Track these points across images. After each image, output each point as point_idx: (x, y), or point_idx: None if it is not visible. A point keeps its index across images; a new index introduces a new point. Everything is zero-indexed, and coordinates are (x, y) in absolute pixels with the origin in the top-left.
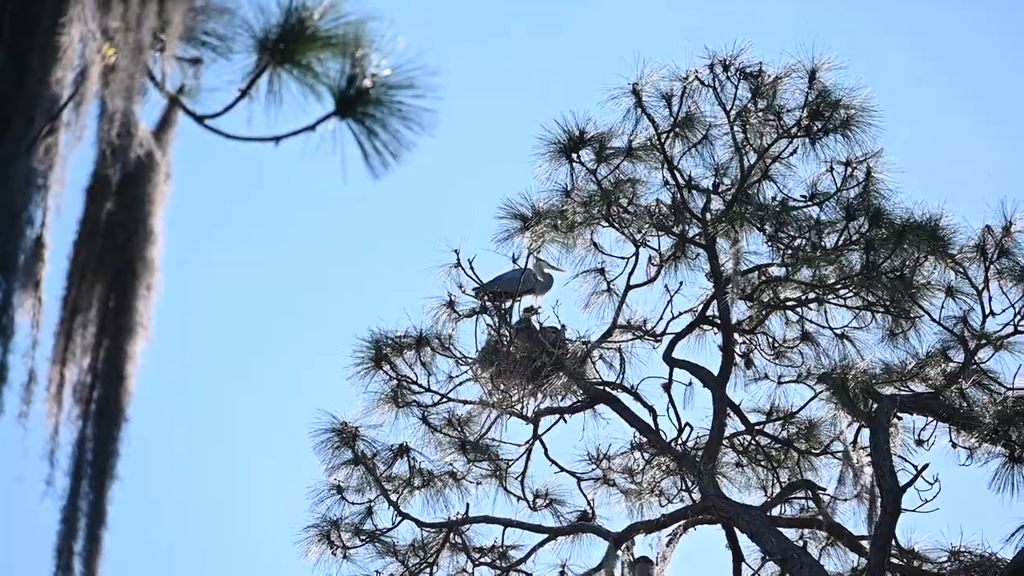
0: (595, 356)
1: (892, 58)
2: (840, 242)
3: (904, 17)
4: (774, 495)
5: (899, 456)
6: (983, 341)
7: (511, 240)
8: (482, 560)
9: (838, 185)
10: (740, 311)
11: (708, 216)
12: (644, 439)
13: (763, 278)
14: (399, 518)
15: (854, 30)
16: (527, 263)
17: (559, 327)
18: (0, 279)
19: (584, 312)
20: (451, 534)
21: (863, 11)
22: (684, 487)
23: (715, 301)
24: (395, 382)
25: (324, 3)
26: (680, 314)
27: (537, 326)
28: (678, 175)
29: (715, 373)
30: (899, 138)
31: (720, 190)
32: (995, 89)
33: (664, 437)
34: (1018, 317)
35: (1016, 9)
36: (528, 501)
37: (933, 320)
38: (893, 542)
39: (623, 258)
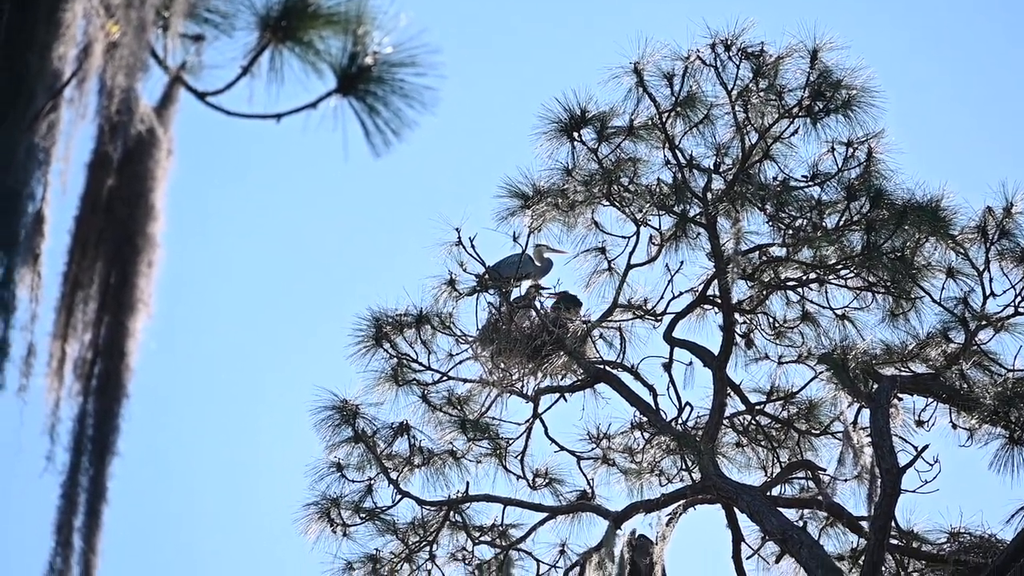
0: (595, 335)
1: (894, 39)
2: (841, 222)
3: None
4: (774, 475)
5: (899, 437)
6: (984, 322)
7: (512, 219)
8: (482, 538)
9: (839, 165)
10: (741, 291)
11: (709, 196)
12: (644, 418)
13: (764, 258)
14: (399, 496)
15: (856, 9)
16: (527, 246)
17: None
18: (1, 254)
19: (585, 291)
20: (451, 512)
21: None
22: (684, 467)
23: (716, 281)
24: (395, 360)
25: None
26: (681, 294)
27: (539, 305)
28: (679, 155)
29: (715, 353)
30: (901, 119)
31: (721, 170)
32: (997, 71)
33: (664, 417)
34: (1019, 298)
35: None
36: (528, 480)
37: (934, 301)
38: (892, 523)
39: (624, 237)
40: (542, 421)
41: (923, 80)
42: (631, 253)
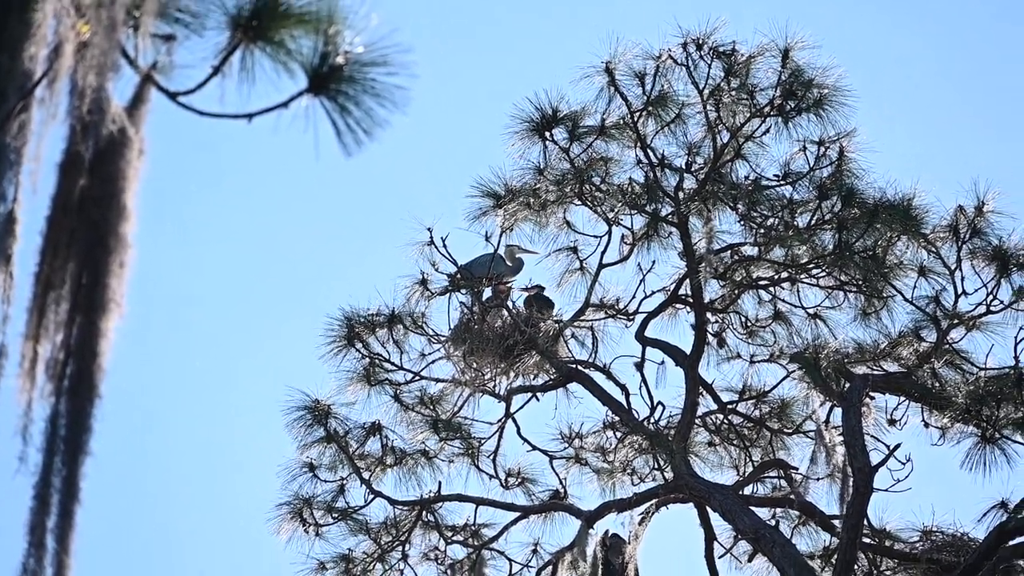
0: (567, 335)
1: (865, 37)
2: (813, 221)
3: None
4: (746, 474)
5: (871, 436)
6: (955, 321)
7: (484, 218)
8: (455, 538)
9: (811, 165)
10: (713, 290)
11: (681, 195)
12: (616, 418)
13: (736, 257)
14: (371, 496)
15: (827, 8)
16: (499, 246)
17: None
18: None
19: (557, 291)
20: (423, 512)
21: None
22: (656, 466)
23: (688, 280)
24: (367, 360)
25: None
26: (653, 293)
27: (511, 304)
28: (651, 154)
29: (687, 352)
30: (872, 118)
31: (693, 169)
32: (969, 68)
33: (636, 416)
34: (990, 297)
35: None
36: (500, 480)
37: (905, 300)
38: (865, 521)
39: (596, 237)
40: (514, 421)
41: (900, 45)
42: (603, 252)
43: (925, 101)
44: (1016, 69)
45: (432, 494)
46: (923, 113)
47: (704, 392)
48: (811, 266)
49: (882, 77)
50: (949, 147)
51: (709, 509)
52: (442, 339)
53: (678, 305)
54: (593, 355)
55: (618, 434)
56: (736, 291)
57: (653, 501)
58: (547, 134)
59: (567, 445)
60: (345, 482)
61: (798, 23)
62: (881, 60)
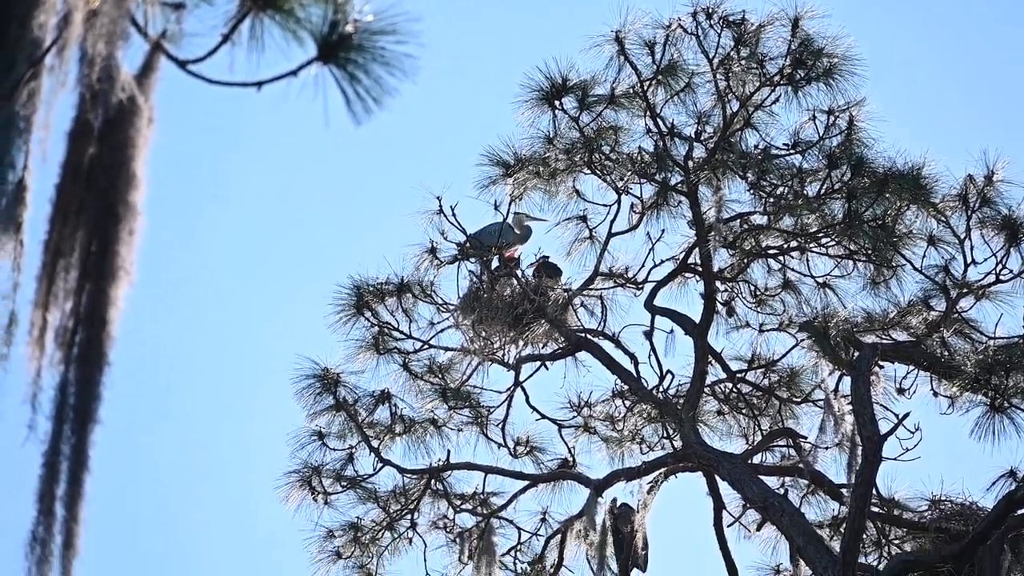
0: (576, 303)
1: (877, 6)
2: (822, 190)
3: None
4: (755, 443)
5: (880, 404)
6: (964, 290)
7: (493, 187)
8: (463, 506)
9: (820, 134)
10: (722, 259)
11: (690, 164)
12: (625, 387)
13: (745, 226)
14: (380, 464)
15: (832, 8)
16: (508, 214)
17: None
18: None
19: (566, 259)
20: (432, 480)
21: None
22: (665, 435)
23: (697, 249)
24: (376, 329)
25: None
26: (662, 262)
27: (519, 273)
28: (660, 123)
29: (696, 321)
30: (882, 86)
31: (702, 138)
32: (981, 38)
33: (645, 385)
34: (999, 266)
35: None
36: (509, 448)
37: (915, 269)
38: (873, 490)
39: (605, 206)
40: (523, 389)
41: (905, 47)
42: (612, 221)
43: (929, 102)
44: (1020, 71)
45: (441, 462)
46: (926, 114)
47: (713, 361)
48: (820, 235)
49: (886, 79)
50: (953, 147)
51: (718, 478)
52: (451, 308)
53: (687, 274)
54: (602, 324)
55: (627, 403)
56: (745, 260)
57: (662, 470)
58: (557, 103)
59: (576, 414)
60: (354, 450)
61: None
62: (886, 62)
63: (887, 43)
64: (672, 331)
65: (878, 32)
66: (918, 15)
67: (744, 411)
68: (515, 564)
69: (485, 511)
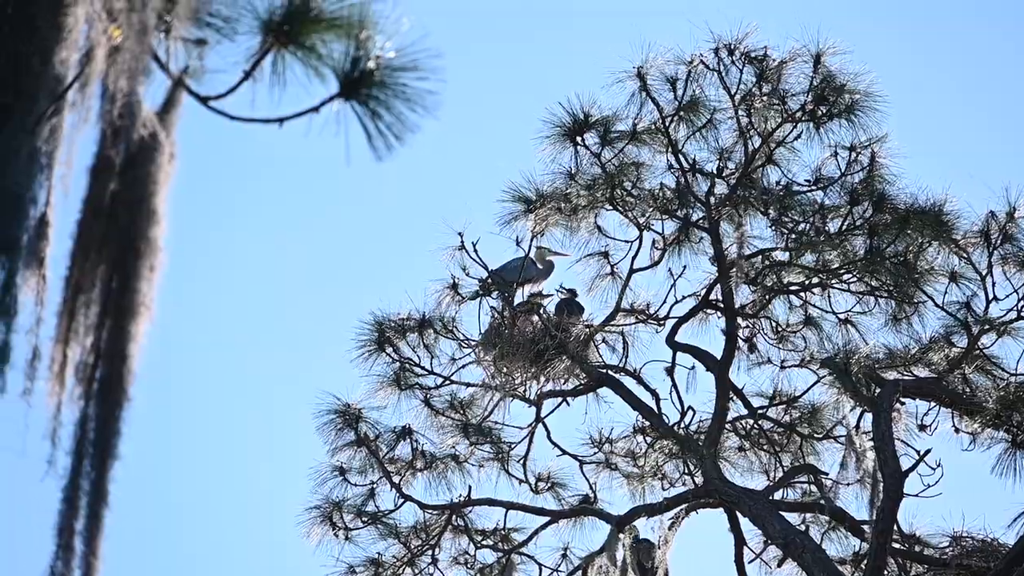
0: (598, 340)
1: (898, 42)
2: (844, 227)
3: (909, 3)
4: (776, 479)
5: (902, 441)
6: (986, 326)
7: (515, 223)
8: (484, 543)
9: (842, 170)
10: (744, 295)
11: (712, 200)
12: (647, 423)
13: (767, 262)
14: (401, 500)
15: (858, 14)
16: (529, 249)
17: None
18: (4, 258)
19: (588, 295)
20: (453, 516)
21: None
22: (686, 471)
23: (718, 285)
24: (398, 364)
25: None
26: (683, 298)
27: (542, 310)
28: (682, 159)
29: (718, 357)
30: (904, 122)
31: (724, 174)
32: (1002, 73)
33: (667, 421)
34: (1021, 303)
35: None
36: (530, 484)
37: (936, 305)
38: (895, 527)
39: (627, 242)
40: (545, 425)
41: (927, 83)
42: (634, 257)
43: (951, 137)
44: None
45: (462, 498)
46: (948, 149)
47: (734, 397)
48: (842, 271)
49: (908, 112)
50: (975, 183)
51: (739, 514)
52: (472, 343)
53: (709, 310)
54: (624, 360)
55: (648, 439)
56: (767, 296)
57: (683, 506)
58: (579, 139)
59: (597, 450)
60: (375, 486)
61: (829, 29)
62: (908, 96)
63: (908, 77)
64: (693, 367)
65: (894, 57)
66: (933, 40)
67: (765, 447)
68: None
69: (506, 547)
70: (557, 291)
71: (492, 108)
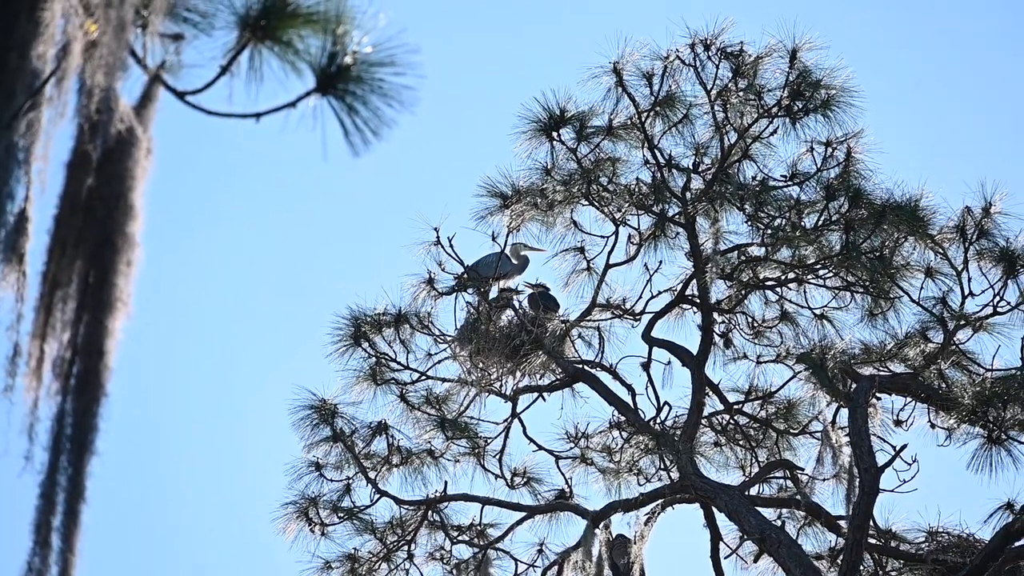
0: (574, 335)
1: (874, 37)
2: (820, 222)
3: None
4: (752, 475)
5: (877, 436)
6: (962, 322)
7: (491, 218)
8: (460, 538)
9: (818, 165)
10: (719, 290)
11: (688, 195)
12: (623, 418)
13: (743, 258)
14: (377, 496)
15: (835, 10)
16: (505, 245)
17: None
18: None
19: (564, 291)
20: (429, 512)
21: None
22: (662, 466)
23: (694, 280)
24: (374, 360)
25: None
26: (659, 293)
27: (517, 304)
28: (658, 154)
29: (694, 352)
30: (879, 118)
31: (700, 169)
32: (975, 70)
33: (643, 416)
34: (997, 298)
35: None
36: (506, 479)
37: (912, 301)
38: (871, 522)
39: (603, 237)
40: (520, 420)
41: (903, 78)
42: (610, 253)
43: (927, 131)
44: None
45: (438, 493)
46: (924, 144)
47: (710, 392)
48: (818, 267)
49: (884, 105)
50: (952, 159)
51: (715, 509)
52: (448, 339)
53: (685, 305)
54: (600, 355)
55: (624, 434)
56: (743, 291)
57: (659, 501)
58: (554, 134)
59: (573, 445)
60: (351, 481)
61: (805, 24)
62: (884, 88)
63: (885, 71)
64: (670, 362)
65: (876, 60)
66: (911, 35)
67: (741, 443)
68: None
69: (482, 542)
70: (528, 286)
71: (468, 103)
